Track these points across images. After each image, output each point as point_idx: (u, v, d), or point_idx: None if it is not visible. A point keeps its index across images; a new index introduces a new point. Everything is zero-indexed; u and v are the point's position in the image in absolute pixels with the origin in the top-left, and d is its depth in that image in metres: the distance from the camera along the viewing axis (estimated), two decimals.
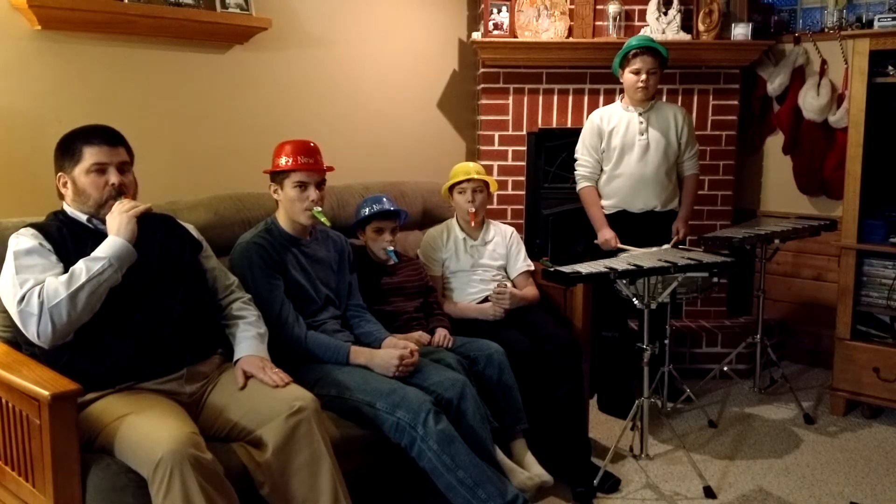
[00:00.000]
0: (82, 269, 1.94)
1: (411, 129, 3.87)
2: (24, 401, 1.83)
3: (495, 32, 3.79)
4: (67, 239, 2.05)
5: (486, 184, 3.08)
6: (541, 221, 4.05)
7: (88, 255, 1.98)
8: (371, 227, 2.84)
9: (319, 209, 2.49)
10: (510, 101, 3.92)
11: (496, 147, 3.95)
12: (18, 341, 2.04)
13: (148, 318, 2.07)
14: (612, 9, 3.81)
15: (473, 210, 3.02)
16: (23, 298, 1.91)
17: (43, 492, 1.82)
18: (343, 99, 3.58)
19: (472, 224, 3.05)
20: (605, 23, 3.86)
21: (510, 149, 3.96)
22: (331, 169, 2.56)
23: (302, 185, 2.48)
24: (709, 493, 2.72)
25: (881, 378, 3.30)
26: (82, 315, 1.94)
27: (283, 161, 2.49)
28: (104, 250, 1.98)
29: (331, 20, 3.49)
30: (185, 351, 2.13)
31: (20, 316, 1.92)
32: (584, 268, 2.58)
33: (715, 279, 3.08)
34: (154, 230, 2.19)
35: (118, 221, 2.02)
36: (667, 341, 3.38)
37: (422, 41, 3.87)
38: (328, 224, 2.55)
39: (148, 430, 1.84)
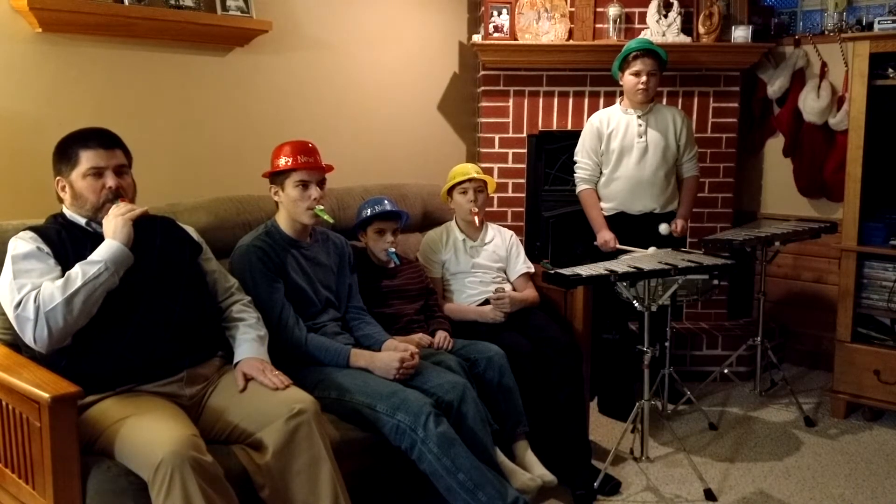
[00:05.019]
0: (78, 273, 1.94)
1: (412, 132, 3.88)
2: (25, 403, 1.83)
3: (496, 35, 3.80)
4: (66, 242, 2.05)
5: (486, 184, 3.09)
6: (541, 224, 4.05)
7: (87, 258, 1.98)
8: (372, 229, 2.84)
9: (321, 207, 2.49)
10: (510, 103, 3.92)
11: (496, 149, 3.96)
12: (19, 344, 2.03)
13: (148, 320, 2.07)
14: (613, 11, 3.81)
15: (476, 209, 3.03)
16: (19, 303, 1.91)
17: (43, 494, 1.81)
18: (343, 101, 3.58)
19: (477, 222, 3.05)
20: (606, 25, 3.86)
21: (510, 151, 3.96)
22: (330, 168, 2.56)
23: (303, 185, 2.48)
24: (709, 495, 2.71)
25: (882, 380, 3.30)
26: (79, 319, 1.93)
27: (283, 161, 2.48)
28: (100, 254, 1.98)
29: (331, 23, 3.49)
30: (185, 353, 2.13)
31: (17, 321, 1.92)
32: (585, 270, 2.58)
33: (715, 281, 3.08)
34: (154, 233, 2.19)
35: (114, 225, 2.02)
36: (667, 344, 3.37)
37: (422, 44, 3.88)
38: (331, 221, 2.54)
39: (148, 432, 1.84)
